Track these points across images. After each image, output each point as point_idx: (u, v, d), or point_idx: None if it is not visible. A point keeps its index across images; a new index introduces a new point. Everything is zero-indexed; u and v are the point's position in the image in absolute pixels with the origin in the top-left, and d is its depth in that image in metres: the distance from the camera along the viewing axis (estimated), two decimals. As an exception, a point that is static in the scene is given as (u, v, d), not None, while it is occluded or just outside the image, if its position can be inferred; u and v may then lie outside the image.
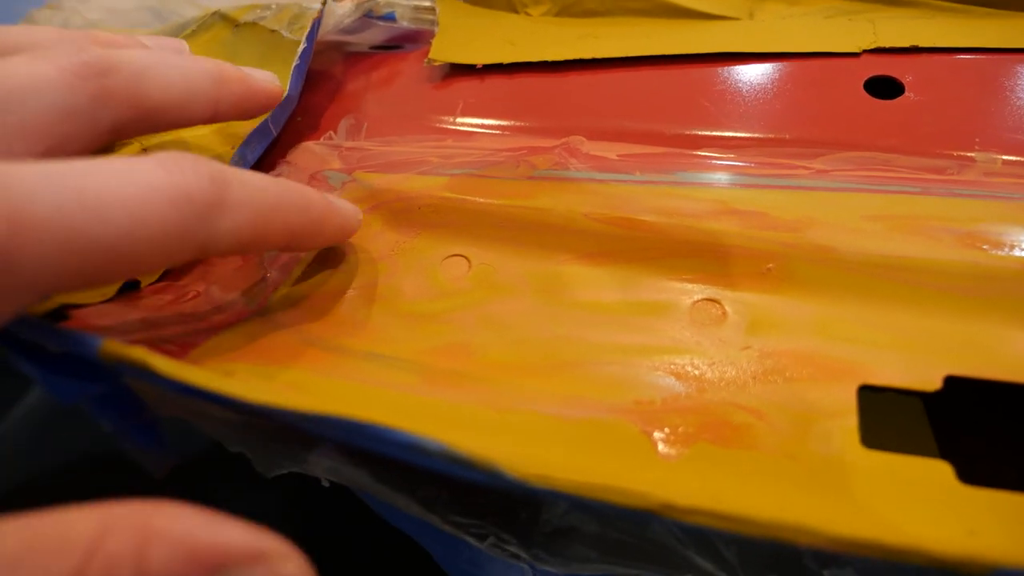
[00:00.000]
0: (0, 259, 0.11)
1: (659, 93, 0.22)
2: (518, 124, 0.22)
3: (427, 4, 0.27)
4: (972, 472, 0.14)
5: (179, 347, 0.16)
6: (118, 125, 0.17)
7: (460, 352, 0.16)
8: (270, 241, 0.16)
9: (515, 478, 0.12)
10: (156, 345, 0.15)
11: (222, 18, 0.26)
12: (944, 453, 0.19)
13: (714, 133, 0.21)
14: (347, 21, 0.25)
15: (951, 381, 0.14)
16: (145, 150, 0.22)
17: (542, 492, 0.12)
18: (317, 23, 0.23)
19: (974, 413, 0.21)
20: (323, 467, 0.17)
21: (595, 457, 0.14)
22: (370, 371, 0.16)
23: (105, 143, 0.17)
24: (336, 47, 0.27)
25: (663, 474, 0.13)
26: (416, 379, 0.16)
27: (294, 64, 0.22)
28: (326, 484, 0.17)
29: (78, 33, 0.19)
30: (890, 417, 0.19)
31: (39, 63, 0.16)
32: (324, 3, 0.24)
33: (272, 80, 0.21)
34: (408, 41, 0.28)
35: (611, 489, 0.12)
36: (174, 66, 0.18)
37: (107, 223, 0.12)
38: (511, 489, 0.12)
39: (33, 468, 0.26)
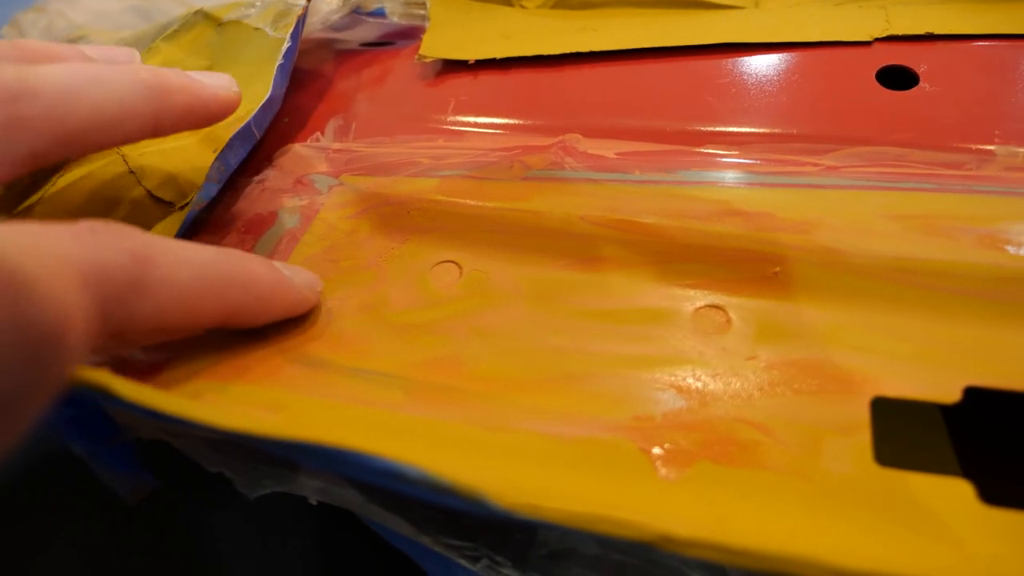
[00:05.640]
0: None
1: (660, 87, 0.21)
2: (513, 122, 0.21)
3: (418, -2, 0.26)
4: (994, 492, 0.13)
5: (148, 366, 0.15)
6: (37, 151, 0.15)
7: (450, 365, 0.16)
8: (202, 321, 0.15)
9: (502, 508, 0.11)
10: (124, 363, 0.14)
11: (205, 16, 0.26)
12: (967, 470, 0.18)
13: (718, 129, 0.20)
14: (334, 18, 0.24)
15: (972, 392, 0.13)
16: (132, 172, 0.21)
17: (532, 523, 0.11)
18: (302, 20, 0.22)
19: (998, 427, 0.20)
20: (312, 487, 0.16)
21: (591, 479, 0.13)
22: (353, 388, 0.15)
23: (26, 170, 0.16)
24: (326, 45, 0.26)
25: (662, 497, 0.12)
26: (402, 396, 0.15)
27: (277, 63, 0.21)
28: (313, 503, 0.16)
29: (4, 45, 0.18)
30: (907, 431, 0.18)
31: None
32: (309, 0, 0.23)
33: (227, 86, 0.19)
34: (402, 37, 0.27)
35: (606, 520, 0.11)
36: (103, 82, 0.16)
37: None
38: (498, 519, 0.11)
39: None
